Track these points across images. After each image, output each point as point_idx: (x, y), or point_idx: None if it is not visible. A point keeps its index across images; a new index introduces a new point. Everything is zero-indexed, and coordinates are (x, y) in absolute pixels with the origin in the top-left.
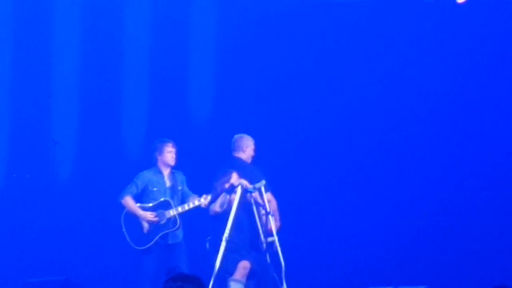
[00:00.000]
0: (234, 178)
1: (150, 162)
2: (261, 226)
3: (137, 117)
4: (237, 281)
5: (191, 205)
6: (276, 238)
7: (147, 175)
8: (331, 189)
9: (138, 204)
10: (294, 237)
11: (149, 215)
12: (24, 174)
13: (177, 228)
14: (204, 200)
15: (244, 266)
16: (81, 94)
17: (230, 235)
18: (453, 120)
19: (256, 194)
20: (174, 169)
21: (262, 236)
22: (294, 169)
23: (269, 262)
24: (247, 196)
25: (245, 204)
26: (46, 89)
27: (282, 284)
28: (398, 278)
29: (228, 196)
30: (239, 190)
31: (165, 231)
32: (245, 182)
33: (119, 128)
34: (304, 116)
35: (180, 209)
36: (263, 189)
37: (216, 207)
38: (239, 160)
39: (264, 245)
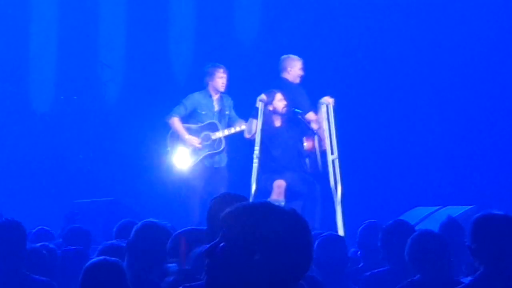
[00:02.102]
0: (278, 98)
1: (197, 83)
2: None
3: (184, 39)
4: (274, 201)
5: (237, 129)
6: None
7: (197, 97)
8: (384, 112)
9: (185, 125)
10: (343, 158)
11: (194, 140)
12: (71, 96)
13: (222, 151)
14: None
15: (278, 185)
16: (128, 15)
17: (260, 152)
18: None
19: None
20: (222, 93)
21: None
22: (349, 88)
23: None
24: (294, 117)
25: (291, 125)
26: (94, 11)
27: None
28: (447, 198)
29: (255, 120)
30: (279, 107)
31: (210, 152)
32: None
33: (167, 50)
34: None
35: (226, 132)
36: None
37: (245, 133)
38: (284, 80)
39: (308, 165)
